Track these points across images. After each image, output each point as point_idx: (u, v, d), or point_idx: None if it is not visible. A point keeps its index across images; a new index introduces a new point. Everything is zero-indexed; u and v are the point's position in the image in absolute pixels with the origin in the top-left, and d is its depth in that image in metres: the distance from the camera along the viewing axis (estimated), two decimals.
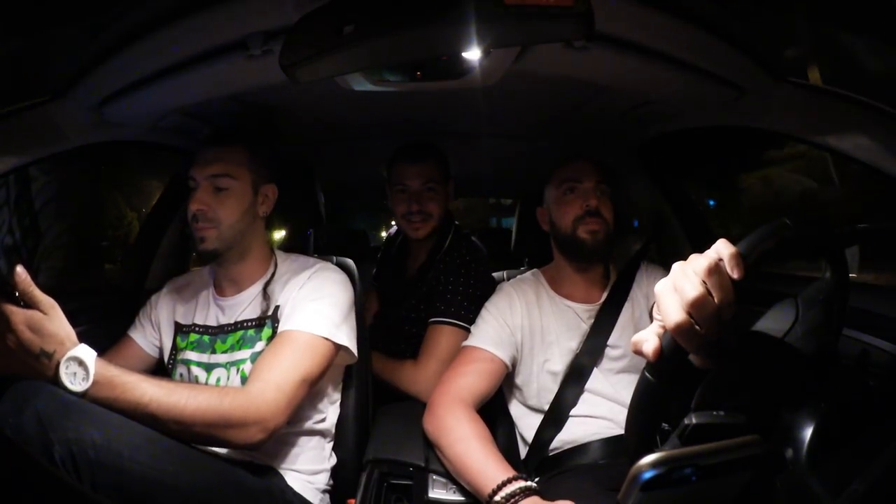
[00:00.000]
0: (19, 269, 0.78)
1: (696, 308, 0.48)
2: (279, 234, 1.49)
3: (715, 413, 0.55)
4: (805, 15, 0.73)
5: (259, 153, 1.10)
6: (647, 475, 0.47)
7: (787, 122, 1.03)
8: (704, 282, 0.48)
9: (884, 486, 0.48)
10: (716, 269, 0.48)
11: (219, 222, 1.03)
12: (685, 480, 0.48)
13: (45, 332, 0.76)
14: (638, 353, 0.54)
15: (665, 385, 0.52)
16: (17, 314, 0.75)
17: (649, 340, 0.52)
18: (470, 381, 1.06)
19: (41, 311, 0.78)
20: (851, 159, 0.92)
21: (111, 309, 1.36)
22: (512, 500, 0.83)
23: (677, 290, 0.50)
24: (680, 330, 0.49)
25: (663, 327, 0.51)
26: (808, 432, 0.55)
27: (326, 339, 1.00)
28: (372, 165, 1.95)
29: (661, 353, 0.52)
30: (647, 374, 0.54)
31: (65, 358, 0.76)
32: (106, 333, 1.17)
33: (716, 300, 0.48)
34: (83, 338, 0.81)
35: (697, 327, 0.48)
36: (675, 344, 0.50)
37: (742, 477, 0.52)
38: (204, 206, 1.03)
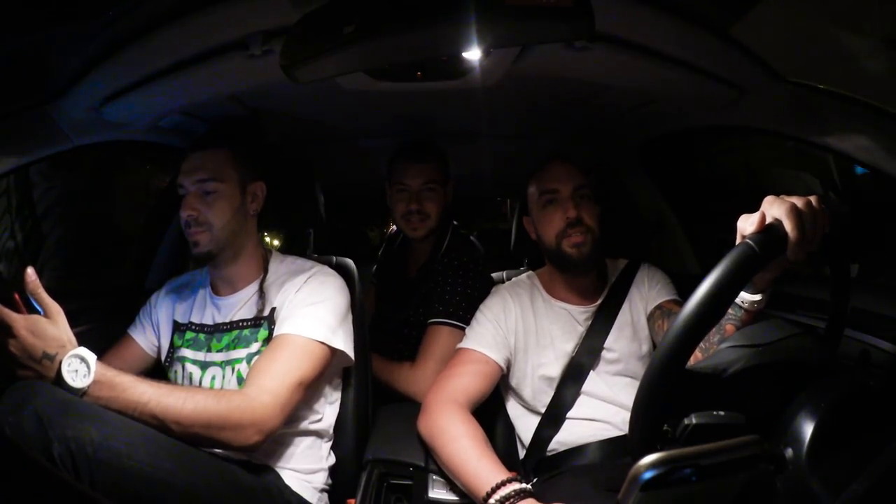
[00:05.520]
0: (29, 270, 0.79)
1: (806, 205, 0.63)
2: (279, 234, 1.49)
3: (715, 413, 0.55)
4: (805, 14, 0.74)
5: (243, 152, 1.10)
6: (647, 475, 0.47)
7: (787, 122, 1.02)
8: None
9: (884, 486, 0.47)
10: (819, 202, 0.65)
11: (210, 225, 1.04)
12: (685, 480, 0.48)
13: (47, 336, 0.78)
14: (742, 230, 0.63)
15: (763, 258, 0.58)
16: (19, 320, 0.76)
17: (755, 215, 0.62)
18: (464, 382, 1.05)
19: (46, 314, 0.79)
20: (851, 159, 0.92)
21: (111, 309, 1.36)
22: (507, 503, 0.82)
23: (787, 197, 0.64)
24: (791, 212, 0.61)
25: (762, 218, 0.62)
26: (808, 432, 0.55)
27: (323, 343, 1.00)
28: (372, 165, 1.95)
29: (769, 226, 0.61)
30: (748, 241, 0.59)
31: (67, 356, 0.77)
32: (106, 333, 1.17)
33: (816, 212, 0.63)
34: (83, 338, 0.81)
35: (804, 218, 0.61)
36: (781, 227, 0.61)
37: (742, 477, 0.52)
38: (194, 212, 1.04)
